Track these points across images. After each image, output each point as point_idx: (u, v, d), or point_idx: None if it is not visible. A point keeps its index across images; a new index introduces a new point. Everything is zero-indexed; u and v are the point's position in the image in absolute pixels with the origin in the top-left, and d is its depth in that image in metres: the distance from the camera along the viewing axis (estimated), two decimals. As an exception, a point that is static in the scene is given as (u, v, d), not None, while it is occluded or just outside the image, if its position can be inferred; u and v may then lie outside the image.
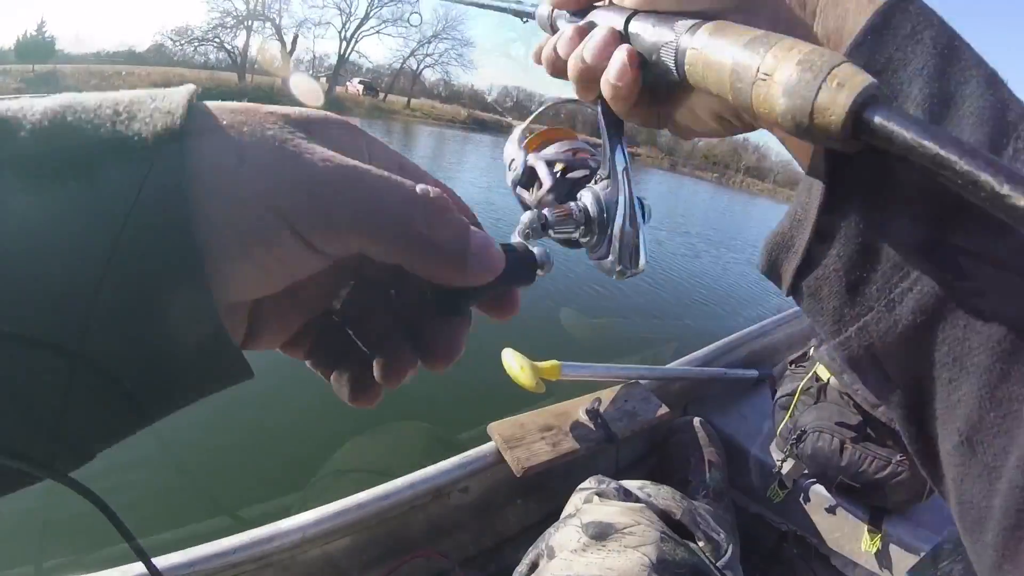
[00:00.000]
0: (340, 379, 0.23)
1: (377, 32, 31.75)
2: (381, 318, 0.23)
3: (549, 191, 0.39)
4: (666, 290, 5.93)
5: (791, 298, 0.24)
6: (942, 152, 0.16)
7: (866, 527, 1.31)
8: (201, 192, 0.15)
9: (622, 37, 0.28)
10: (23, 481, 0.16)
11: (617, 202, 0.32)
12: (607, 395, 1.37)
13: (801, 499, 1.42)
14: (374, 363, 0.22)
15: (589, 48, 0.28)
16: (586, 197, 0.33)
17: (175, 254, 0.14)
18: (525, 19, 0.40)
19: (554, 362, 1.25)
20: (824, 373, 1.43)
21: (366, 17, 30.88)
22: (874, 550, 1.30)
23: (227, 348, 0.17)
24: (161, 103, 0.16)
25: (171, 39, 28.70)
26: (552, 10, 0.34)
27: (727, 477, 1.35)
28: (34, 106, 0.15)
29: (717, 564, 0.86)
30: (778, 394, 1.57)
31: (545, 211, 0.32)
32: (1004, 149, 0.19)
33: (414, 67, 34.01)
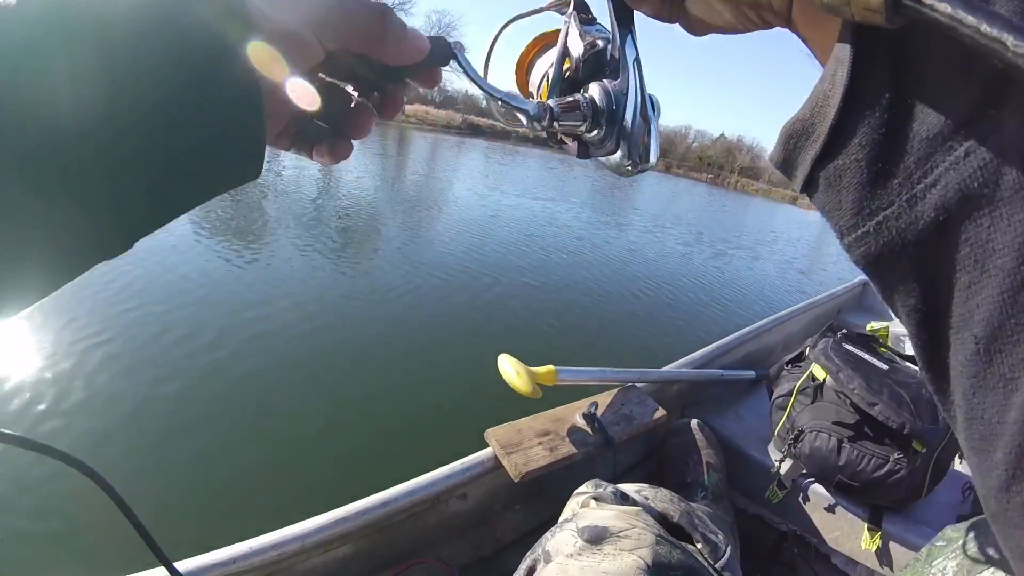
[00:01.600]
0: (319, 152, 0.31)
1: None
2: (339, 104, 0.31)
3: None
4: (673, 292, 5.94)
5: (804, 194, 0.23)
6: (991, 28, 0.14)
7: (866, 525, 1.31)
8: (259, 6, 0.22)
9: None
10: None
11: (627, 95, 0.30)
12: (604, 399, 1.38)
13: (800, 499, 1.41)
14: (348, 126, 0.30)
15: None
16: (593, 89, 0.31)
17: (237, 45, 0.21)
18: None
19: (550, 367, 1.25)
20: (820, 373, 1.44)
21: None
22: (874, 548, 1.29)
23: (261, 134, 0.23)
24: None
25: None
26: None
27: (726, 478, 1.35)
28: None
29: (716, 565, 0.86)
30: (775, 394, 1.57)
31: (550, 102, 0.31)
32: None
33: (409, 73, 34.08)
